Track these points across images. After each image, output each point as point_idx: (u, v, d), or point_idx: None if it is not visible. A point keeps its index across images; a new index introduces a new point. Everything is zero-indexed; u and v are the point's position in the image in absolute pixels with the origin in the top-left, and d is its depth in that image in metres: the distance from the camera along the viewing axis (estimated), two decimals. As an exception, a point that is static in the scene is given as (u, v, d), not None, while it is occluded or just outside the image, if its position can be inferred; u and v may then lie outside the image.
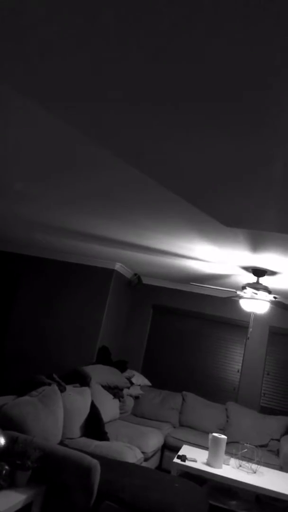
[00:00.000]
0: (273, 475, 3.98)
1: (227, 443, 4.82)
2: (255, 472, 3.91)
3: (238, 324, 5.97)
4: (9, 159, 2.58)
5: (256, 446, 5.02)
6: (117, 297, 5.89)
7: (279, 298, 4.23)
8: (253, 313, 5.83)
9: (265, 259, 3.72)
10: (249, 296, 4.19)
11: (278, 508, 3.79)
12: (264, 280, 4.58)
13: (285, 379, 5.71)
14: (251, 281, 4.79)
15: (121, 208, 3.13)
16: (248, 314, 5.96)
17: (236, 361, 5.90)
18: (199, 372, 5.99)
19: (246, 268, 4.21)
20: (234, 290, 4.49)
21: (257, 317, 5.96)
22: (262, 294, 4.10)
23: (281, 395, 5.69)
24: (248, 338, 5.90)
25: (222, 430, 5.25)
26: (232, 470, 3.85)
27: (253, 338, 5.89)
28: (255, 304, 4.17)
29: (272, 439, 5.13)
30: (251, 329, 5.86)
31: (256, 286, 4.09)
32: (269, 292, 4.10)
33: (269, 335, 5.87)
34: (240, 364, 5.87)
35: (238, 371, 5.86)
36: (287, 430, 5.23)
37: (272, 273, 4.16)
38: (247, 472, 3.86)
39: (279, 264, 3.77)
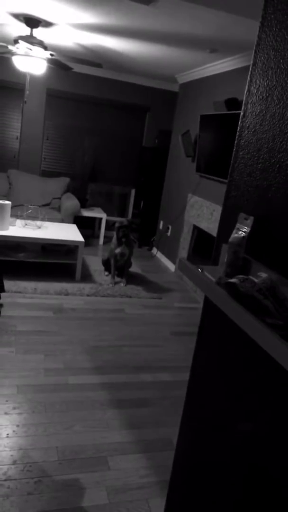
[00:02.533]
0: (55, 227, 4.59)
1: (12, 207, 5.11)
2: (40, 228, 4.42)
3: (13, 86, 5.52)
4: None
5: (40, 206, 5.50)
6: None
7: (56, 56, 3.95)
8: (29, 73, 5.40)
9: (38, 4, 3.24)
10: (23, 53, 3.77)
11: (60, 252, 4.54)
12: (39, 33, 4.12)
13: (63, 143, 5.96)
14: (24, 34, 4.23)
15: None
16: (23, 75, 5.50)
17: (14, 127, 5.71)
18: (-25, 141, 5.63)
19: (17, 16, 3.63)
20: (4, 44, 3.93)
21: (33, 79, 5.58)
22: (37, 51, 3.74)
23: (60, 159, 6.02)
24: (25, 102, 5.62)
25: (5, 196, 5.45)
26: (18, 229, 4.24)
27: (30, 102, 5.64)
28: (31, 63, 3.83)
29: (54, 198, 5.67)
30: (27, 92, 5.53)
31: (30, 40, 3.65)
32: (45, 48, 3.76)
33: (47, 98, 5.71)
34: (19, 131, 5.74)
35: (17, 138, 5.76)
36: (66, 189, 5.80)
37: (47, 24, 3.73)
38: (33, 229, 4.33)
39: (55, 12, 3.37)
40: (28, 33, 4.12)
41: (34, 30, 3.95)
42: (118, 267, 4.47)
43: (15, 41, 3.67)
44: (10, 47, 3.80)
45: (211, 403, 1.19)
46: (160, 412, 2.42)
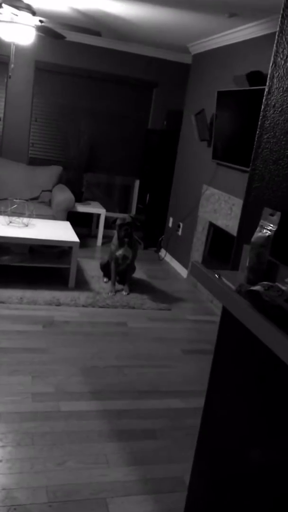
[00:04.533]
0: (46, 225, 4.61)
1: (-6, 202, 5.14)
2: (27, 226, 4.44)
3: (-4, 58, 5.57)
4: None
5: (27, 200, 5.52)
6: None
7: (46, 23, 3.98)
8: (14, 43, 5.44)
9: None
10: (7, 19, 3.80)
11: (52, 254, 4.56)
12: (26, -4, 4.15)
13: (55, 125, 5.99)
14: (8, -3, 4.27)
15: None
16: (7, 46, 5.54)
17: (-3, 107, 5.75)
18: None
19: (1, -24, 3.66)
20: (-14, 9, 3.96)
21: (19, 50, 5.62)
22: (24, 16, 3.77)
23: (51, 143, 6.05)
24: (9, 77, 5.65)
25: (-13, 189, 5.49)
26: (1, 227, 4.26)
27: (15, 77, 5.68)
28: (16, 31, 3.86)
29: (44, 191, 5.70)
30: (12, 65, 5.57)
31: (15, 3, 3.68)
32: (33, 13, 3.79)
33: (36, 73, 5.75)
34: (2, 111, 5.78)
35: (0, 120, 5.80)
36: (58, 180, 5.82)
37: (36, -15, 3.76)
38: (19, 227, 4.35)
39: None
40: (14, -4, 4.15)
41: (21, -8, 3.98)
42: (120, 273, 4.47)
43: (-2, 6, 3.70)
44: (-8, 12, 3.83)
45: (231, 434, 1.19)
46: (169, 445, 2.42)
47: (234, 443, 1.17)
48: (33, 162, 6.01)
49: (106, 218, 6.06)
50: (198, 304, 4.45)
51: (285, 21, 1.05)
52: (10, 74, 5.66)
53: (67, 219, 5.41)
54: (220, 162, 4.40)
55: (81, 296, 4.12)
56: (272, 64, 1.09)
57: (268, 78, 1.11)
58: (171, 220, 5.77)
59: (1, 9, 3.73)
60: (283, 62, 1.05)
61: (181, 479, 2.19)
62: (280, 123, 1.05)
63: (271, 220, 1.02)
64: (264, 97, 1.11)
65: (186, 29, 4.60)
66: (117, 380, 2.94)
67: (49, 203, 5.60)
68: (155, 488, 2.12)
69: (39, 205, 5.46)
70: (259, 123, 1.13)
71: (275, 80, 1.07)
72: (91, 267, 4.93)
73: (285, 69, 1.04)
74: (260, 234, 1.02)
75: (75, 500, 2.00)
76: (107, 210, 6.27)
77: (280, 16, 1.07)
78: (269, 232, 1.01)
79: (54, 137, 6.02)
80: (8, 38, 3.93)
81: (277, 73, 1.06)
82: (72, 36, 5.62)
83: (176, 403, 2.79)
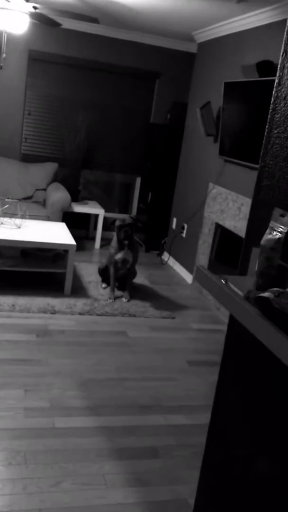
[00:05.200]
0: (39, 226, 4.62)
1: (-15, 201, 5.15)
2: (19, 227, 4.45)
3: (-14, 47, 5.59)
4: None
5: (19, 200, 5.54)
6: None
7: (40, 9, 4.00)
8: (6, 31, 5.46)
9: None
10: (-2, 5, 3.82)
11: (46, 258, 4.56)
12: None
13: (50, 119, 6.01)
14: (0, -18, 4.29)
15: None
16: (-1, 33, 5.57)
17: (-12, 100, 5.78)
18: None
19: None
20: (-24, -6, 3.98)
21: (12, 39, 5.65)
22: (16, 3, 3.79)
23: (45, 139, 6.06)
24: (1, 68, 5.68)
25: (-24, 188, 5.51)
26: (-8, 229, 4.27)
27: (7, 68, 5.70)
28: (8, 18, 3.88)
29: (38, 189, 5.71)
30: (4, 55, 5.59)
31: (7, -11, 3.70)
32: (26, -1, 3.81)
33: (29, 63, 5.77)
34: (-7, 104, 5.80)
35: (-9, 113, 5.82)
36: (53, 178, 5.84)
37: None
38: (10, 229, 4.36)
39: None
40: (5, -19, 4.18)
41: (13, -24, 4.00)
42: (119, 278, 4.47)
43: (-11, -9, 3.72)
44: (-18, -2, 3.85)
45: (239, 451, 1.19)
46: (173, 464, 2.41)
47: (242, 462, 1.17)
48: (26, 158, 6.02)
49: (105, 219, 6.07)
50: (204, 312, 4.45)
51: (297, 7, 1.05)
52: (1, 64, 5.68)
53: (63, 220, 5.42)
54: (228, 159, 4.40)
55: (78, 303, 4.12)
56: (283, 53, 1.09)
57: (278, 69, 1.11)
58: (174, 221, 5.77)
59: (-8, -6, 3.75)
60: (294, 51, 1.06)
61: (186, 501, 2.18)
62: (292, 116, 1.05)
63: (282, 221, 1.02)
64: (274, 89, 1.11)
65: (191, 15, 4.61)
66: (117, 394, 2.94)
67: (43, 203, 5.61)
68: (158, 511, 2.11)
69: (33, 205, 5.47)
70: (269, 116, 1.13)
71: (285, 71, 1.07)
72: (89, 272, 4.94)
73: (296, 59, 1.05)
74: (270, 236, 1.02)
75: (71, 524, 1.99)
76: (106, 210, 6.28)
77: (291, 2, 1.08)
78: (279, 234, 1.01)
79: (49, 131, 6.03)
80: (-1, 25, 3.94)
81: (288, 63, 1.07)
82: (69, 24, 5.64)
83: (180, 419, 2.78)
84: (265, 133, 1.14)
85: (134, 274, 4.49)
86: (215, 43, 5.03)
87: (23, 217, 4.89)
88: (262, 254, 1.02)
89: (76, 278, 4.71)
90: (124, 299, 4.36)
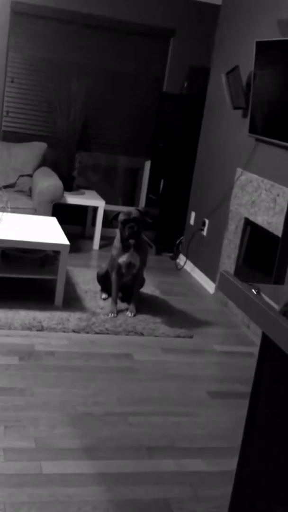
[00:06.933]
0: (24, 222, 4.63)
1: None
2: (-2, 223, 4.47)
3: None
4: None
5: (0, 189, 5.56)
6: None
7: None
8: (-16, -22, 5.49)
9: None
10: None
11: (32, 261, 4.57)
12: None
13: (37, 88, 6.02)
14: None
15: None
16: (-25, -19, 5.60)
17: None
18: None
19: None
20: None
21: (-10, -13, 5.68)
22: None
23: (32, 112, 6.08)
24: (-23, 24, 5.72)
25: None
26: None
27: (-15, 24, 5.74)
28: None
29: (22, 175, 5.72)
30: (-19, 8, 5.61)
31: None
32: None
33: (12, 18, 5.79)
34: None
35: None
36: (42, 161, 5.85)
37: None
38: (-12, 224, 4.39)
39: None
40: None
41: None
42: (123, 286, 4.47)
43: None
44: None
45: (273, 508, 1.18)
46: (189, 522, 2.40)
47: (277, 521, 1.16)
48: (8, 137, 6.04)
49: (106, 213, 6.08)
50: (229, 330, 4.43)
51: None
52: (-22, 19, 5.71)
53: (53, 214, 5.43)
54: (260, 138, 4.39)
55: (71, 318, 4.12)
56: None
57: None
58: (193, 215, 5.77)
59: None
60: None
61: None
62: None
63: None
64: None
65: None
66: (119, 432, 2.93)
67: (28, 192, 5.63)
68: None
69: (16, 194, 5.48)
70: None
71: None
72: (85, 279, 4.94)
73: None
74: (313, 234, 1.01)
75: None
76: (107, 202, 6.28)
77: None
78: None
79: (37, 103, 6.05)
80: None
81: None
82: None
83: (198, 464, 2.77)
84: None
85: (141, 282, 4.49)
86: (244, -7, 5.02)
87: (3, 210, 4.91)
88: (304, 257, 1.01)
89: (70, 286, 4.71)
90: (129, 314, 4.36)
